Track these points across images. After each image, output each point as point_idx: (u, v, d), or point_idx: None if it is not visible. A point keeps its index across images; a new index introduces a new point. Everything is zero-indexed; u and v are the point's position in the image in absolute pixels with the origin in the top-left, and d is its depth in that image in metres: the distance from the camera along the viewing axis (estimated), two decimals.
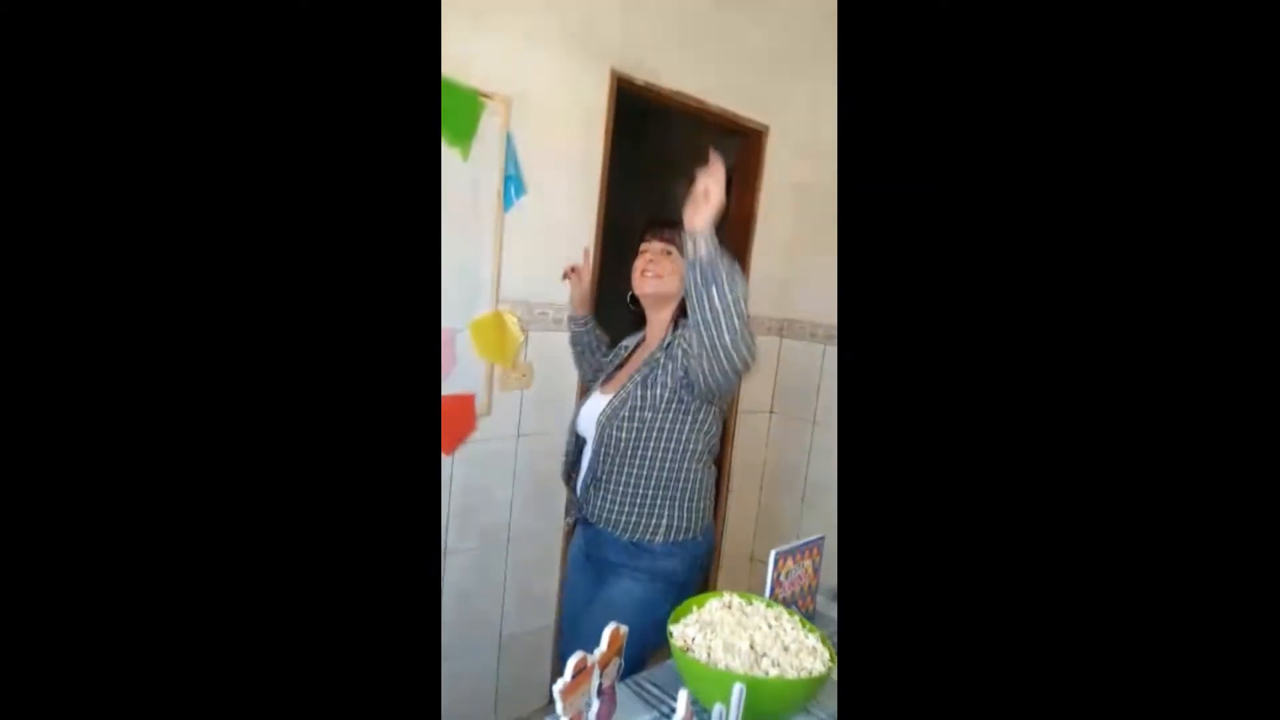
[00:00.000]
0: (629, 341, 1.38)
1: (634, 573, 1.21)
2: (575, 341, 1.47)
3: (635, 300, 1.32)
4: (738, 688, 0.72)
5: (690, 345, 1.09)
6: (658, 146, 2.97)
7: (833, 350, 2.19)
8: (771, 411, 2.35)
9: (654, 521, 1.20)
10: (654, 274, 1.25)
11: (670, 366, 1.18)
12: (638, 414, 1.18)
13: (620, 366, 1.34)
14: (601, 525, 1.23)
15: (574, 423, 1.32)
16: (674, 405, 1.17)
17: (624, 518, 1.20)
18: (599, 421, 1.21)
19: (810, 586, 1.15)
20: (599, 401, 1.26)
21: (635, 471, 1.19)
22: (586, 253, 1.50)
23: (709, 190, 1.04)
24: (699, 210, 1.04)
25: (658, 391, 1.18)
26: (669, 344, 1.21)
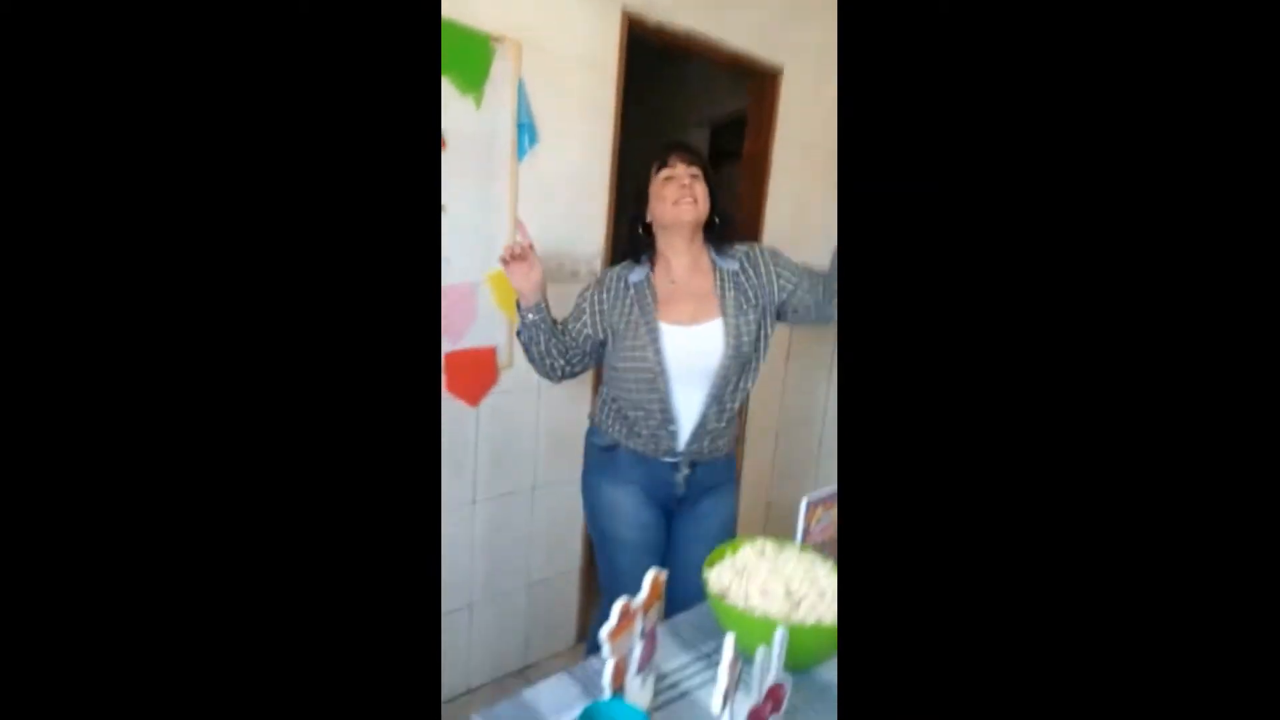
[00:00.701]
0: (635, 276, 1.26)
1: (730, 486, 1.33)
2: (531, 340, 1.25)
3: (648, 229, 1.26)
4: (781, 632, 0.74)
5: (811, 300, 1.23)
6: (671, 90, 2.88)
7: None
8: (788, 358, 2.34)
9: (732, 432, 1.31)
10: (690, 199, 1.19)
11: (750, 292, 1.23)
12: (744, 344, 1.22)
13: (656, 299, 1.24)
14: (707, 455, 1.27)
15: (661, 365, 1.20)
16: (758, 330, 1.23)
17: (724, 440, 1.29)
18: (723, 360, 1.20)
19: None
20: (699, 338, 1.20)
21: (737, 395, 1.26)
22: (523, 226, 1.36)
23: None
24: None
25: (751, 317, 1.22)
26: (737, 271, 1.24)
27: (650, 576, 0.81)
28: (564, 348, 1.26)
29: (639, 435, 1.26)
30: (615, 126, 1.70)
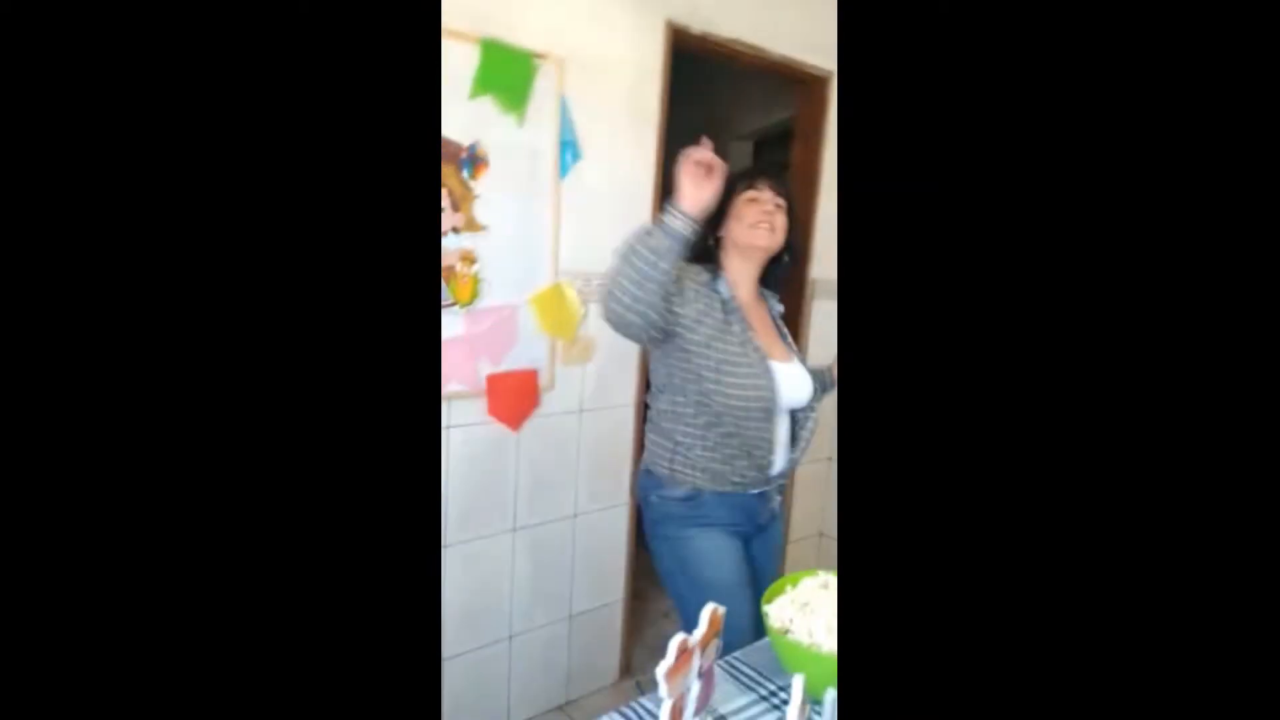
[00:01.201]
0: (722, 289, 1.18)
1: (778, 515, 1.33)
2: (655, 254, 1.00)
3: (718, 242, 1.21)
4: None
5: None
6: (716, 100, 2.86)
7: None
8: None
9: None
10: (770, 226, 1.18)
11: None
12: (817, 389, 1.28)
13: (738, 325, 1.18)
14: (776, 484, 1.27)
15: (775, 398, 1.15)
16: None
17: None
18: (812, 394, 1.24)
19: None
20: (792, 371, 1.21)
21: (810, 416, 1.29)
22: (707, 142, 1.07)
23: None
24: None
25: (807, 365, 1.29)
26: (782, 314, 1.30)
27: (709, 611, 0.75)
28: (666, 291, 1.03)
29: (733, 471, 1.18)
30: (660, 139, 1.67)
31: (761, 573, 1.27)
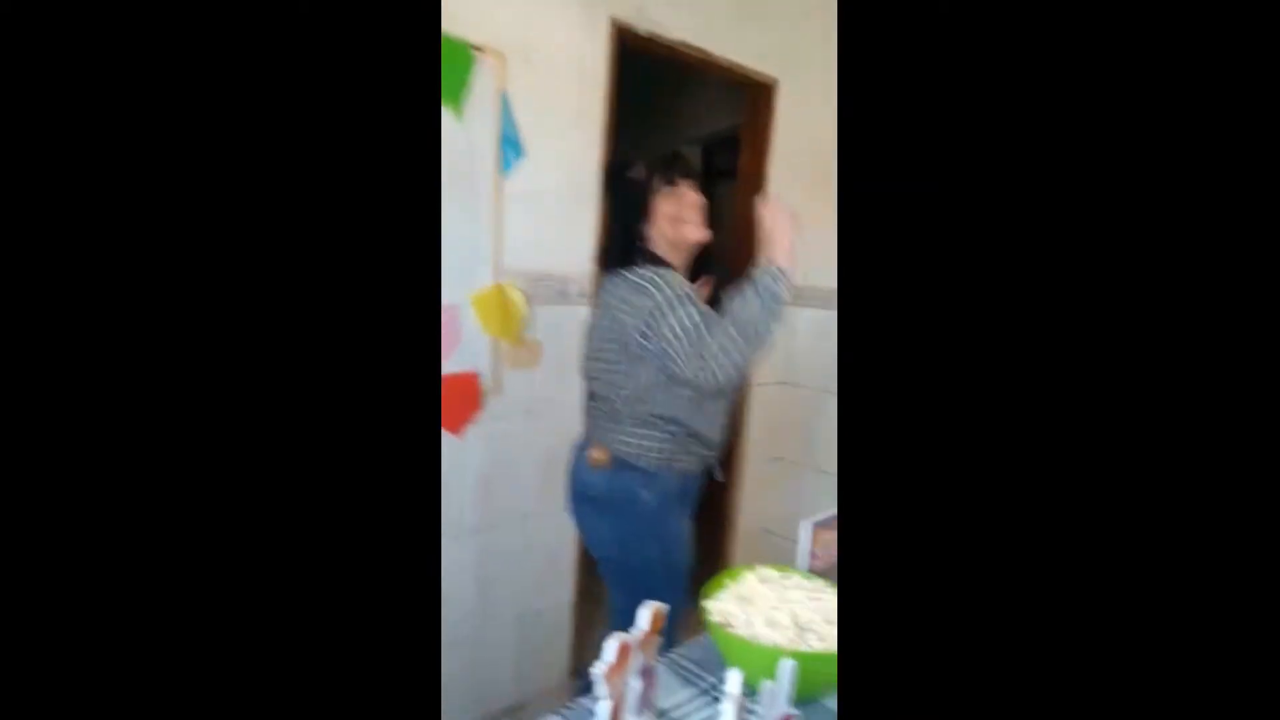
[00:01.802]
0: (687, 285, 1.21)
1: None
2: (775, 319, 1.11)
3: (646, 245, 1.22)
4: (789, 664, 0.68)
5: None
6: (664, 105, 2.87)
7: None
8: (783, 382, 2.30)
9: None
10: (696, 222, 1.20)
11: None
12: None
13: None
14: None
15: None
16: None
17: None
18: None
19: None
20: None
21: None
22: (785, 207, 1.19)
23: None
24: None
25: None
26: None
27: (650, 609, 0.75)
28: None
29: (700, 452, 1.25)
30: (606, 139, 1.67)
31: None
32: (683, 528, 1.30)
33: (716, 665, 0.88)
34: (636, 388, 1.19)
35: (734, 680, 0.63)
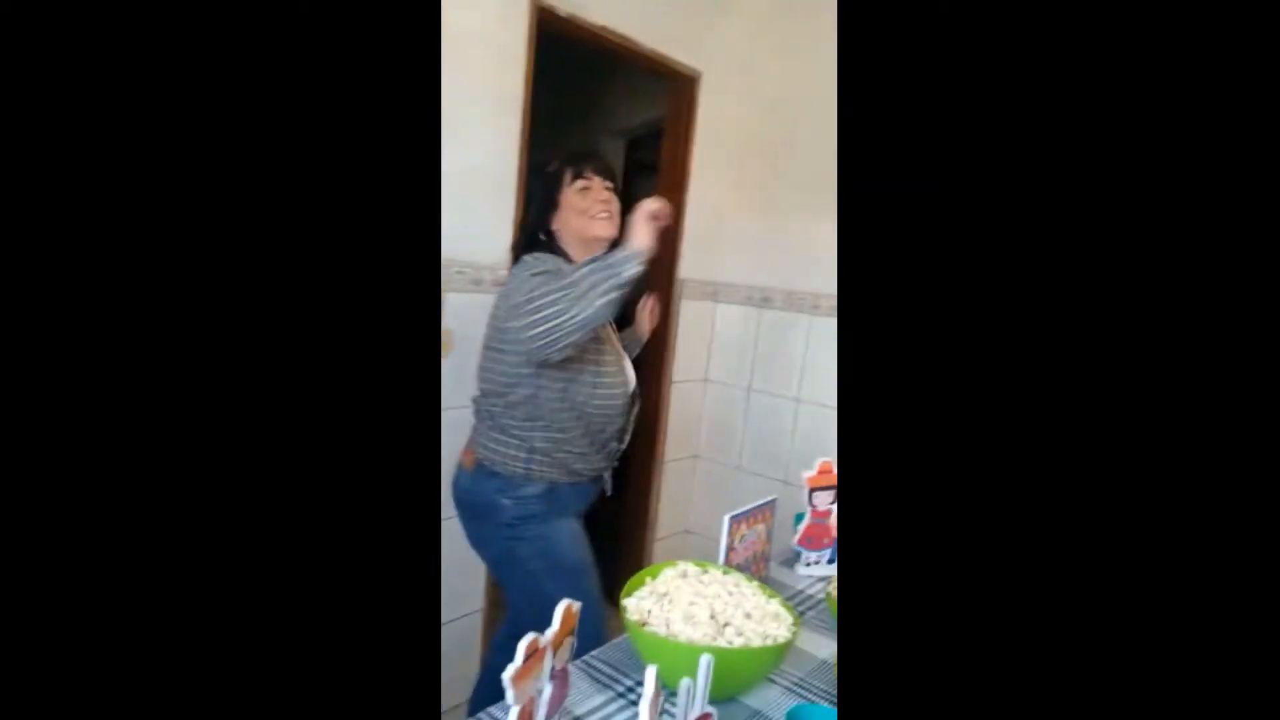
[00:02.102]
0: None
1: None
2: (617, 294, 1.02)
3: (550, 236, 1.18)
4: (705, 659, 0.65)
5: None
6: (587, 98, 2.84)
7: (770, 314, 2.16)
8: (706, 379, 2.31)
9: None
10: (608, 214, 1.16)
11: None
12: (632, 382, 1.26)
13: None
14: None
15: (627, 389, 1.22)
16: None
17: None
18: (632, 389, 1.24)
19: (763, 551, 1.10)
20: (628, 362, 1.26)
21: None
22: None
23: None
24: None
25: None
26: None
27: (562, 608, 0.70)
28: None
29: (588, 465, 1.20)
30: (524, 123, 1.61)
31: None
32: (562, 534, 1.21)
33: (634, 668, 0.85)
34: (496, 383, 1.15)
35: (650, 677, 0.60)
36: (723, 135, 2.11)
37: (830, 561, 1.22)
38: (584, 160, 1.18)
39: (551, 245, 1.18)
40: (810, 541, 1.21)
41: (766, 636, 0.78)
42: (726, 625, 0.79)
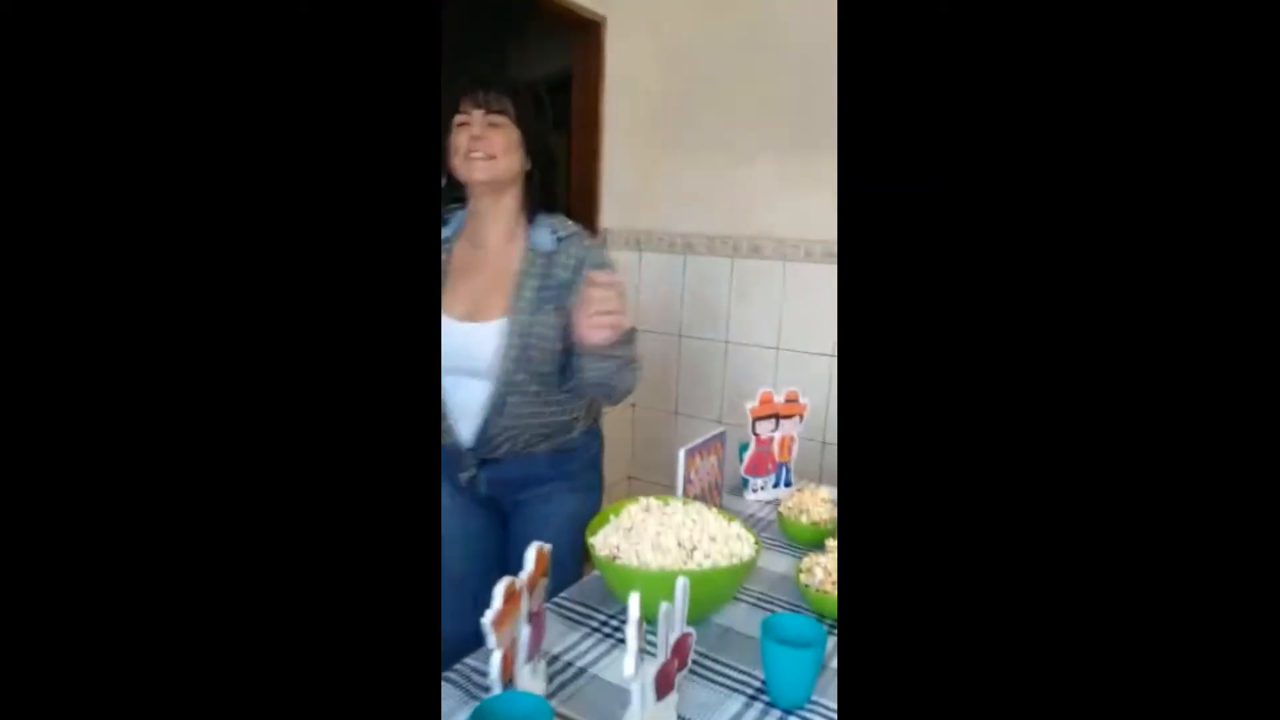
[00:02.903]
0: (447, 230, 1.08)
1: (563, 480, 1.10)
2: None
3: (460, 186, 1.04)
4: (682, 582, 0.67)
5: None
6: (497, 47, 2.71)
7: (695, 260, 2.18)
8: (636, 329, 2.31)
9: (568, 417, 1.08)
10: (483, 154, 0.97)
11: (555, 289, 1.01)
12: (533, 354, 1.00)
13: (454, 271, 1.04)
14: (512, 452, 1.05)
15: (459, 358, 1.00)
16: (562, 335, 1.01)
17: (541, 430, 1.05)
18: (503, 364, 0.99)
19: (717, 481, 1.14)
20: (476, 333, 0.99)
21: (546, 374, 1.02)
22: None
23: (609, 303, 0.88)
24: (598, 327, 0.88)
25: (552, 320, 1.00)
26: (552, 253, 1.02)
27: (533, 550, 0.70)
28: None
29: (446, 436, 1.05)
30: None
31: (513, 552, 0.94)
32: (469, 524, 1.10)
33: (605, 602, 0.86)
34: None
35: (634, 602, 0.61)
36: (633, 83, 2.07)
37: (775, 486, 1.27)
38: (462, 93, 1.00)
39: (463, 195, 1.07)
40: (756, 469, 1.26)
41: (733, 556, 0.81)
42: (694, 549, 0.81)
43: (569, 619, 0.84)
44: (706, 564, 0.79)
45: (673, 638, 0.67)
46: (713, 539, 0.83)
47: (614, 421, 2.26)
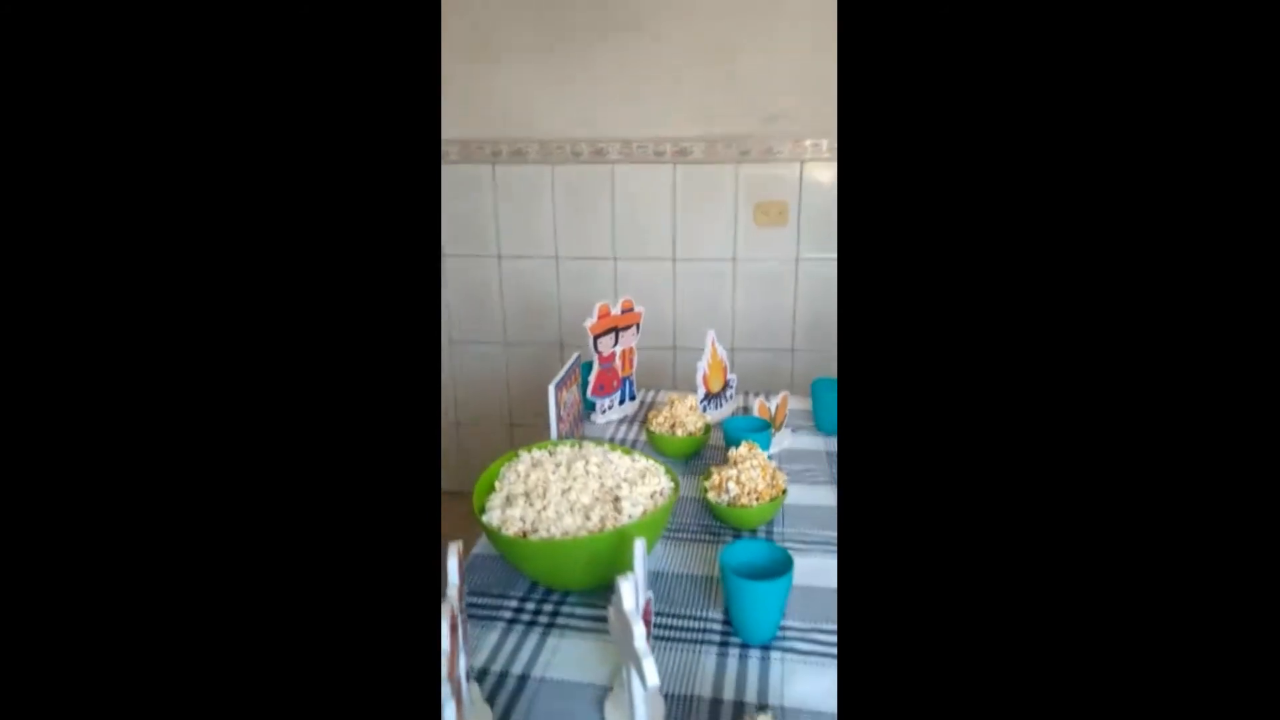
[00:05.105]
0: None
1: None
2: None
3: None
4: (639, 543, 0.56)
5: None
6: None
7: (516, 169, 1.90)
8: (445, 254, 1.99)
9: None
10: None
11: None
12: None
13: None
14: None
15: None
16: None
17: None
18: None
19: (579, 412, 1.01)
20: None
21: None
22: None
23: None
24: None
25: None
26: None
27: (455, 551, 0.52)
28: None
29: None
30: None
31: None
32: None
33: (509, 586, 0.71)
34: None
35: (627, 592, 0.49)
36: None
37: (621, 403, 1.20)
38: None
39: None
40: (602, 389, 1.16)
41: (654, 494, 0.72)
42: (618, 499, 0.69)
43: (473, 617, 0.68)
44: (637, 512, 0.68)
45: (640, 607, 0.56)
46: (629, 481, 0.72)
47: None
